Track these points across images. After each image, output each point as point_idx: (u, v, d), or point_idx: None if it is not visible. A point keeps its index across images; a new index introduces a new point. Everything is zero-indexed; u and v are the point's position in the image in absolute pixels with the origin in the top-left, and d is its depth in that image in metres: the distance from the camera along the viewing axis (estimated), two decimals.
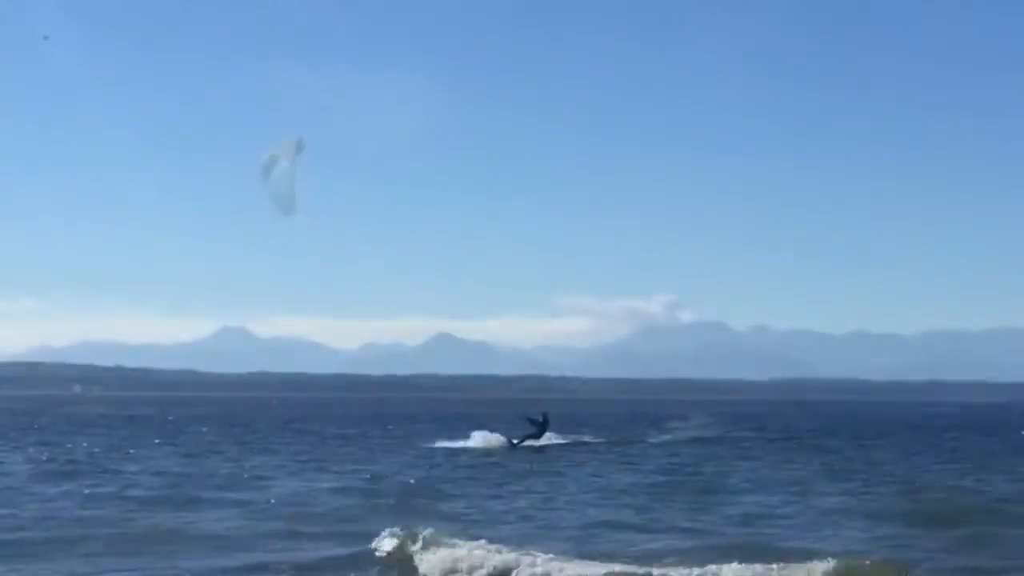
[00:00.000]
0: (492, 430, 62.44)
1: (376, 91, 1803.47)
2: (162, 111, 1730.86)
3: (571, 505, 33.13)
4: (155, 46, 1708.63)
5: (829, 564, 20.87)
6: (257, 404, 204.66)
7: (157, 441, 65.93)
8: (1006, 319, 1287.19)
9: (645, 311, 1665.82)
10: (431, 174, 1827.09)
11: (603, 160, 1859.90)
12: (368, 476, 41.51)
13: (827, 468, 46.58)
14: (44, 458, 50.67)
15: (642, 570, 21.45)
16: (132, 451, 56.43)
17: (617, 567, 21.65)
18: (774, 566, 20.99)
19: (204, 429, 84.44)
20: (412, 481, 39.71)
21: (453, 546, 22.99)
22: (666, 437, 71.80)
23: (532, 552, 22.61)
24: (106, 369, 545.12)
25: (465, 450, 57.11)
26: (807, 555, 22.18)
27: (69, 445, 60.58)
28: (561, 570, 21.54)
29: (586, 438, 67.36)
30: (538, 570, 21.59)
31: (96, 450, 57.38)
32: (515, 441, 59.96)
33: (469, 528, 27.13)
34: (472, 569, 22.11)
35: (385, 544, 24.23)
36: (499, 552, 22.48)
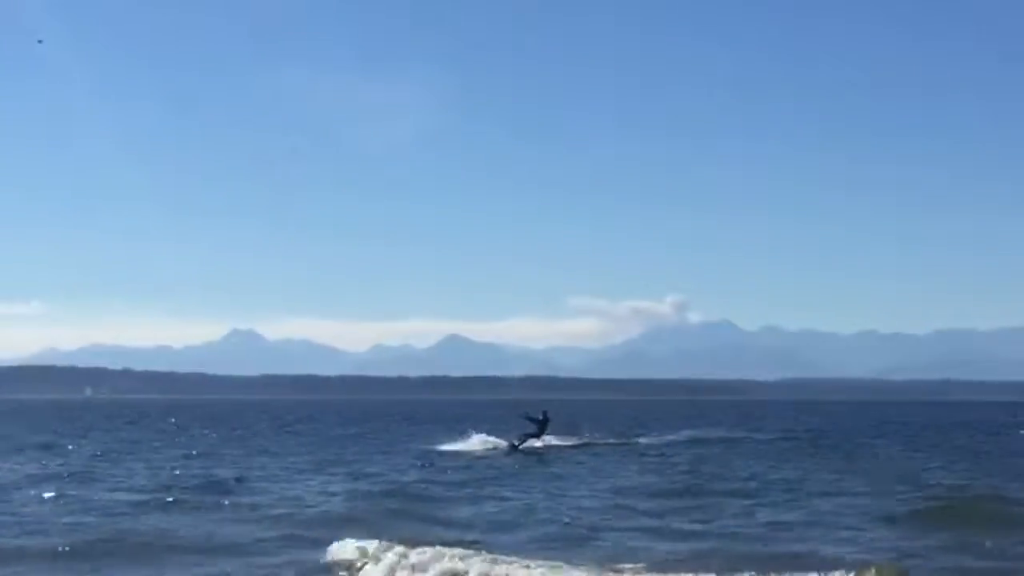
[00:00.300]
0: (500, 432, 61.88)
1: (385, 94, 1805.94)
2: (167, 113, 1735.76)
3: (565, 508, 32.56)
4: (159, 50, 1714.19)
5: None
6: (263, 407, 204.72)
7: (156, 444, 65.69)
8: (1016, 318, 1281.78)
9: (654, 312, 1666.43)
10: (440, 176, 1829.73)
11: (612, 161, 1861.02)
12: (358, 480, 40.93)
13: (837, 469, 45.88)
14: (43, 461, 50.45)
15: None
16: (129, 455, 56.20)
17: None
18: None
19: (207, 432, 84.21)
20: (398, 485, 38.95)
21: (406, 555, 22.40)
22: (671, 437, 71.26)
23: (507, 558, 22.15)
24: (115, 372, 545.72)
25: (462, 453, 56.36)
26: (821, 563, 21.83)
27: (71, 447, 60.30)
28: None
29: (592, 439, 66.75)
30: (494, 571, 21.16)
31: (97, 452, 57.25)
32: (516, 443, 59.13)
33: (450, 533, 26.74)
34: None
35: (337, 553, 23.73)
36: (464, 558, 21.93)
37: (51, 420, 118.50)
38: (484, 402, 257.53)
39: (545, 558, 22.54)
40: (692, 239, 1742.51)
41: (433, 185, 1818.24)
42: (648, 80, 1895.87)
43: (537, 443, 59.40)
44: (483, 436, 60.83)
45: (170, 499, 33.95)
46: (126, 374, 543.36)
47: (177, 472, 44.38)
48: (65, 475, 43.00)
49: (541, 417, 60.54)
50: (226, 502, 33.55)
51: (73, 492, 36.30)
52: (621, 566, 22.14)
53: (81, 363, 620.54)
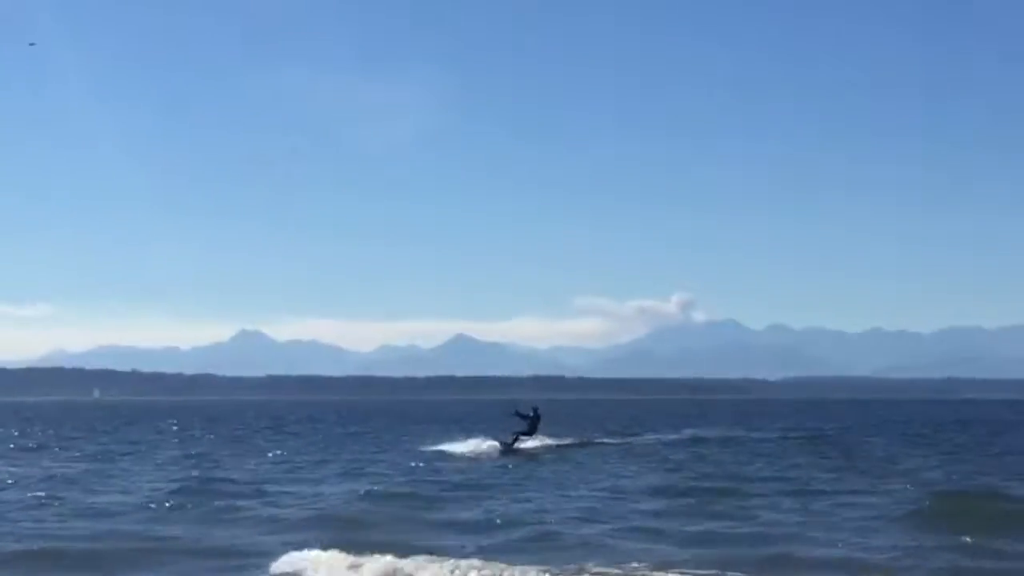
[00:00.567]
0: (495, 431, 61.36)
1: (387, 94, 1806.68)
2: (171, 115, 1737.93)
3: (561, 508, 32.08)
4: (160, 52, 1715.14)
5: None
6: (265, 407, 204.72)
7: (143, 448, 65.27)
8: (1021, 316, 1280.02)
9: (660, 311, 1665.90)
10: (445, 176, 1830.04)
11: (616, 161, 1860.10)
12: (349, 482, 40.34)
13: (837, 468, 45.53)
14: (45, 464, 50.29)
15: None
16: (127, 456, 56.09)
17: None
18: None
19: (206, 434, 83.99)
20: (389, 487, 38.22)
21: (357, 566, 21.98)
22: (672, 436, 70.96)
23: (477, 562, 21.74)
24: (123, 374, 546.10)
25: (457, 454, 55.53)
26: (819, 564, 21.73)
27: (76, 453, 60.03)
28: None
29: (591, 438, 66.41)
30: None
31: (94, 454, 57.05)
32: (508, 443, 58.12)
33: (440, 536, 26.49)
34: None
35: (283, 565, 23.17)
36: (418, 569, 21.48)
37: (51, 422, 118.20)
38: (488, 402, 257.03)
39: (540, 561, 22.29)
40: (697, 238, 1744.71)
41: (438, 185, 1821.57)
42: (649, 80, 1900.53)
43: (532, 442, 58.46)
44: (480, 437, 60.24)
45: (153, 504, 33.52)
46: (134, 375, 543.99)
47: (173, 475, 44.09)
48: (58, 477, 42.87)
49: (532, 414, 59.41)
50: (218, 505, 33.17)
51: (63, 495, 36.02)
52: (620, 568, 21.82)
53: (89, 365, 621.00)
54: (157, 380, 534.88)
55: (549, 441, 59.90)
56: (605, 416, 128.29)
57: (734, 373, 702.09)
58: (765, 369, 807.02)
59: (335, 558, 22.54)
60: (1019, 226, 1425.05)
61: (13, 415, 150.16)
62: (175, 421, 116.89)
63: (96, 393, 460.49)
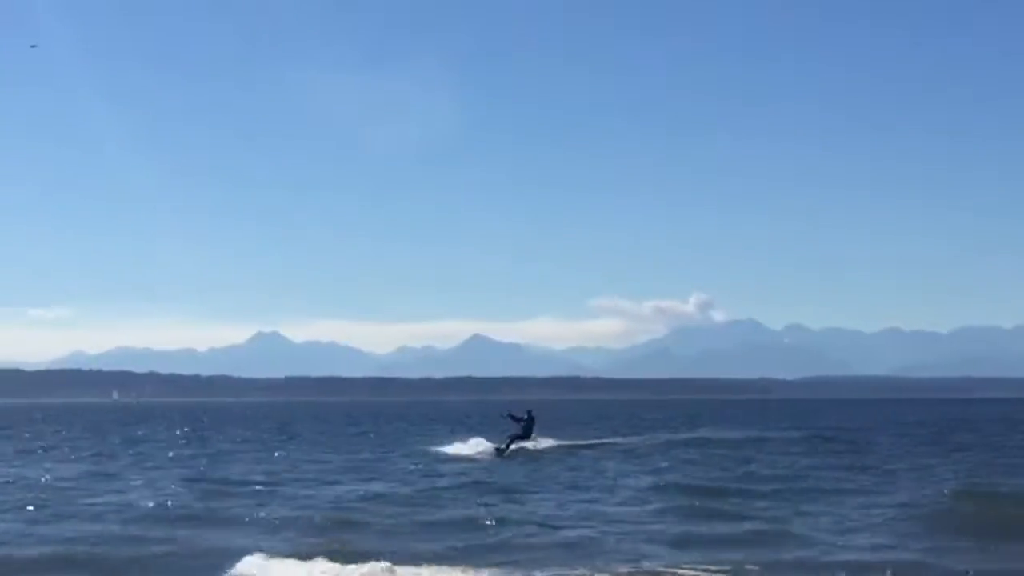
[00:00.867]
0: (491, 434, 60.80)
1: (401, 93, 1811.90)
2: (187, 116, 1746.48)
3: (558, 512, 31.55)
4: (168, 54, 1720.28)
5: None
6: (272, 409, 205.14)
7: (142, 452, 65.03)
8: None
9: (678, 311, 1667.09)
10: (463, 177, 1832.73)
11: (635, 160, 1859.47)
12: (346, 483, 40.03)
13: (857, 469, 44.80)
14: (47, 466, 50.10)
15: None
16: (129, 458, 55.94)
17: None
18: None
19: (220, 437, 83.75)
20: (385, 488, 37.98)
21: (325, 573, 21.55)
22: (685, 436, 70.51)
23: (450, 568, 21.32)
24: (141, 375, 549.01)
25: (456, 455, 54.98)
26: (827, 567, 21.43)
27: (73, 457, 59.79)
28: None
29: (605, 438, 65.79)
30: None
31: (97, 456, 56.83)
32: (502, 447, 56.57)
33: (431, 539, 26.01)
34: None
35: (243, 569, 22.71)
36: (389, 571, 21.02)
37: (56, 424, 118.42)
38: (504, 403, 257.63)
39: (531, 566, 21.88)
40: (716, 238, 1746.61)
41: (455, 186, 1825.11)
42: (667, 80, 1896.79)
43: (529, 444, 57.42)
44: (481, 438, 59.63)
45: (151, 504, 33.23)
46: (152, 377, 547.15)
47: (173, 475, 43.83)
48: (54, 479, 42.66)
49: (526, 416, 58.48)
50: (212, 506, 32.92)
51: (53, 497, 35.78)
52: (620, 569, 21.52)
53: (107, 367, 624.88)
54: (174, 382, 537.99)
55: (555, 442, 59.28)
56: (619, 416, 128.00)
57: (752, 373, 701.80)
58: (783, 369, 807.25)
59: (286, 565, 22.13)
60: None
61: (25, 417, 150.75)
62: (187, 423, 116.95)
63: (115, 395, 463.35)
